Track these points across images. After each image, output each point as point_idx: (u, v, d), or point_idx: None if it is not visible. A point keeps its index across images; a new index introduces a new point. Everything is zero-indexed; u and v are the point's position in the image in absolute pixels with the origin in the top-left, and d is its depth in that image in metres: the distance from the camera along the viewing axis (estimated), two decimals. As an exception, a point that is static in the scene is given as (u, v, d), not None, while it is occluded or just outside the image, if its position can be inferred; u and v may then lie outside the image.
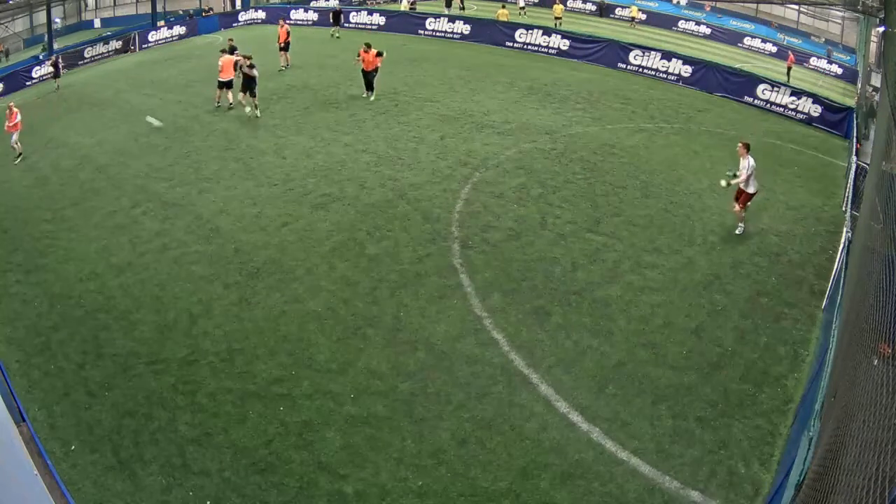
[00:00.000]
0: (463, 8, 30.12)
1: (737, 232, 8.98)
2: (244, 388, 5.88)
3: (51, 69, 21.11)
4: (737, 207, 8.96)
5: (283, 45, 18.62)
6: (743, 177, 8.58)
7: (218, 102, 14.86)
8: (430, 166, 10.99)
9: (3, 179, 11.46)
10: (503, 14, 25.59)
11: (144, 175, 11.03)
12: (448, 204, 9.55)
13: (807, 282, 7.95)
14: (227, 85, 14.62)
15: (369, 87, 15.18)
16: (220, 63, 14.44)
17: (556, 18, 27.39)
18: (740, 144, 8.75)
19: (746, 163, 8.58)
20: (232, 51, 15.64)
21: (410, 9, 28.56)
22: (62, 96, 18.18)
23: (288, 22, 27.85)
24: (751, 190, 8.72)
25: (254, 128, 13.33)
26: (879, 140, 8.64)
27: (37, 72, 21.68)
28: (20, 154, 12.66)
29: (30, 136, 14.03)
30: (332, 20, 24.72)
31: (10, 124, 12.83)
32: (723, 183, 8.83)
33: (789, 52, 29.10)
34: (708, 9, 37.42)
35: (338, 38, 23.78)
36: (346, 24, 26.38)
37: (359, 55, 14.90)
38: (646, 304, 7.25)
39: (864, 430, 2.92)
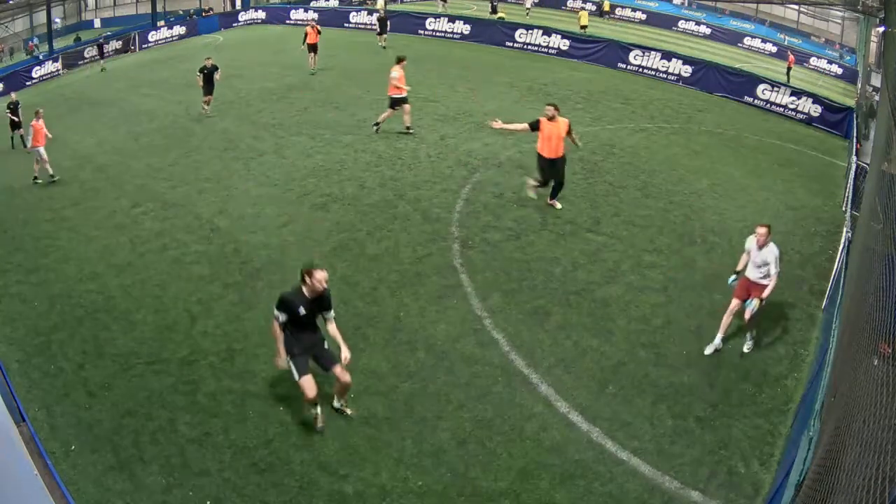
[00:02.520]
0: (494, 11, 28.82)
1: (745, 349, 6.49)
2: (244, 388, 5.88)
3: (96, 53, 23.29)
4: (747, 313, 6.25)
5: (311, 46, 18.02)
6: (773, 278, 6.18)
7: (378, 125, 12.67)
8: (430, 166, 10.99)
9: (2, 180, 11.47)
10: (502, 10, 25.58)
11: (144, 175, 11.03)
12: (448, 204, 9.55)
13: (807, 282, 7.95)
14: (404, 101, 12.18)
15: (557, 186, 9.18)
16: (394, 76, 11.89)
17: (583, 27, 26.29)
18: (764, 229, 6.15)
19: (771, 252, 6.17)
20: (213, 70, 14.40)
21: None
22: (63, 96, 18.20)
23: (289, 22, 28.09)
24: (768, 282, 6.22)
25: (254, 128, 13.34)
26: (879, 140, 8.64)
27: (37, 72, 21.71)
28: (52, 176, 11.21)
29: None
30: (377, 28, 22.30)
31: (36, 137, 11.37)
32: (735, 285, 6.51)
33: (789, 53, 29.11)
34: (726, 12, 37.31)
35: (383, 47, 21.50)
36: (348, 25, 26.37)
37: (536, 125, 8.86)
38: (646, 304, 7.25)
39: (864, 430, 2.92)
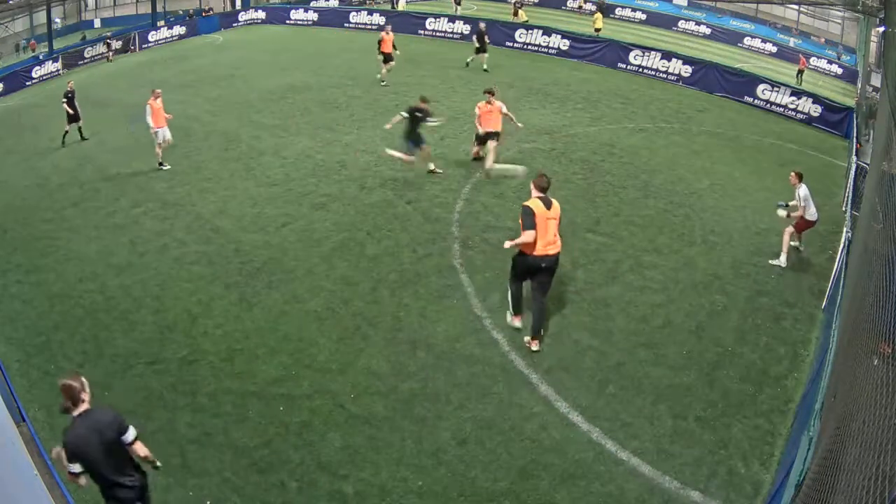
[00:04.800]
0: (516, 14, 26.85)
1: (777, 262, 8.21)
2: (244, 388, 5.88)
3: (104, 49, 23.70)
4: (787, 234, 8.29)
5: (385, 55, 16.29)
6: (799, 210, 8.15)
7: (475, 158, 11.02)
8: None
9: (2, 179, 11.46)
10: (521, 14, 25.36)
11: (144, 175, 11.03)
12: (448, 204, 9.55)
13: (807, 282, 7.95)
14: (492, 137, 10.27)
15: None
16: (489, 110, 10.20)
17: (597, 30, 25.16)
18: (793, 174, 8.19)
19: (800, 192, 8.11)
20: (426, 114, 10.04)
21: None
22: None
23: (289, 22, 28.04)
24: (809, 217, 8.16)
25: (254, 128, 13.34)
26: (879, 140, 8.64)
27: (37, 71, 21.70)
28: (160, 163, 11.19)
29: (31, 136, 14.05)
30: (476, 43, 18.13)
31: (156, 117, 10.98)
32: (781, 213, 8.49)
33: (800, 56, 29.05)
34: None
35: (485, 70, 17.69)
36: (348, 25, 26.31)
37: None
38: (646, 304, 7.25)
39: (864, 430, 2.92)
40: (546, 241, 6.01)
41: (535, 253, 5.96)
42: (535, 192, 6.10)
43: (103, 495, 3.81)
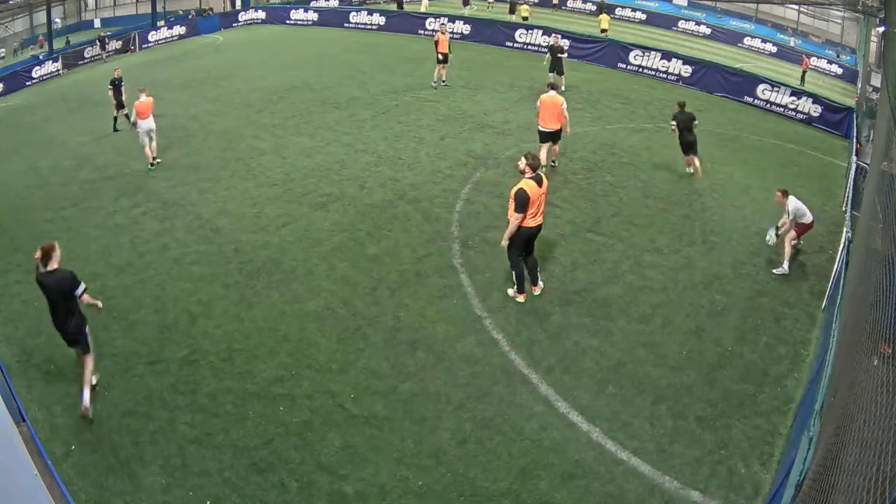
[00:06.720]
0: (513, 11, 26.61)
1: (781, 269, 8.04)
2: (244, 388, 5.88)
3: (98, 49, 24.14)
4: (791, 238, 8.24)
5: (442, 56, 15.78)
6: (787, 225, 8.18)
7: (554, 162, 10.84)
8: (430, 166, 10.99)
9: (3, 179, 11.46)
10: (525, 9, 25.22)
11: (144, 175, 11.03)
12: (448, 204, 9.55)
13: (807, 282, 7.95)
14: (554, 137, 10.22)
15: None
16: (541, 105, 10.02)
17: (603, 30, 24.69)
18: (778, 192, 8.24)
19: (790, 207, 8.10)
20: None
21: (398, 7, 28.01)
22: (63, 96, 18.21)
23: (289, 22, 28.04)
24: (806, 221, 8.08)
25: (254, 128, 13.34)
26: (879, 140, 8.64)
27: (37, 71, 21.72)
28: (154, 159, 11.30)
29: (31, 136, 14.05)
30: (549, 62, 15.81)
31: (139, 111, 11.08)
32: (769, 240, 8.59)
33: (803, 56, 29.04)
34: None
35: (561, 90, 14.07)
36: (348, 25, 26.26)
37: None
38: (646, 304, 7.25)
39: (864, 431, 2.92)
40: (538, 213, 6.80)
41: (530, 225, 6.78)
42: (528, 172, 6.68)
43: (55, 326, 5.49)
